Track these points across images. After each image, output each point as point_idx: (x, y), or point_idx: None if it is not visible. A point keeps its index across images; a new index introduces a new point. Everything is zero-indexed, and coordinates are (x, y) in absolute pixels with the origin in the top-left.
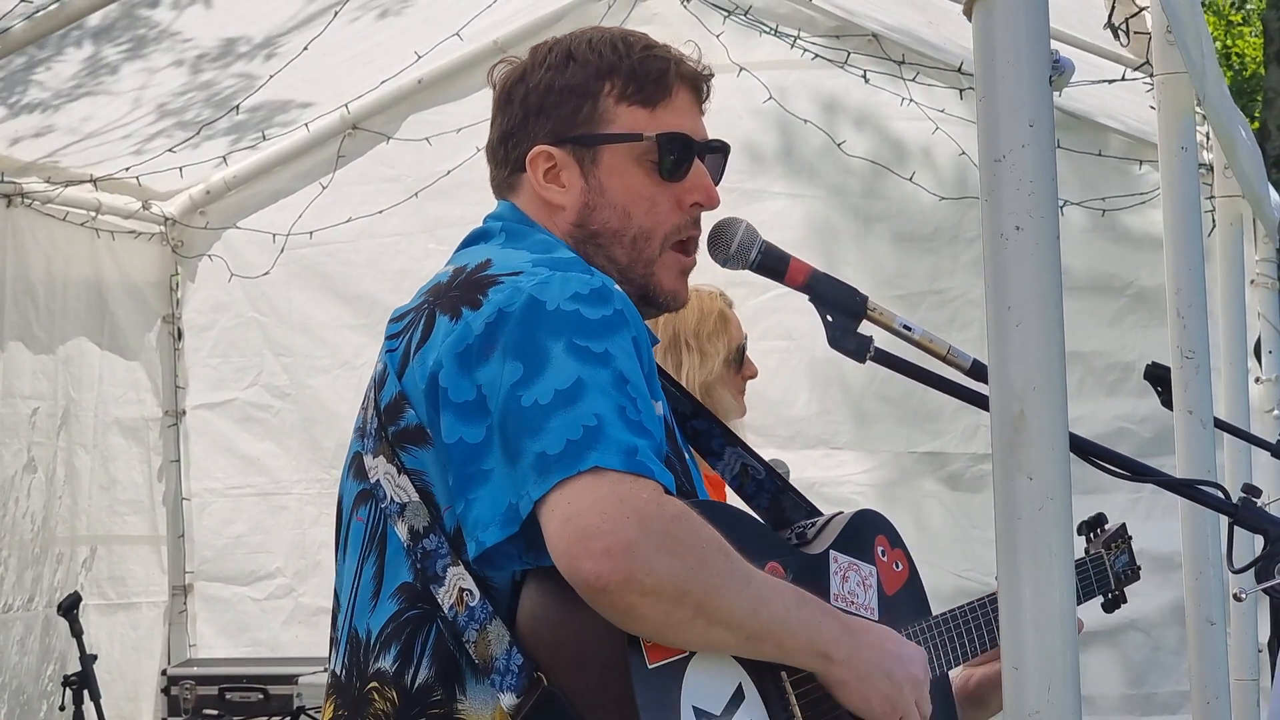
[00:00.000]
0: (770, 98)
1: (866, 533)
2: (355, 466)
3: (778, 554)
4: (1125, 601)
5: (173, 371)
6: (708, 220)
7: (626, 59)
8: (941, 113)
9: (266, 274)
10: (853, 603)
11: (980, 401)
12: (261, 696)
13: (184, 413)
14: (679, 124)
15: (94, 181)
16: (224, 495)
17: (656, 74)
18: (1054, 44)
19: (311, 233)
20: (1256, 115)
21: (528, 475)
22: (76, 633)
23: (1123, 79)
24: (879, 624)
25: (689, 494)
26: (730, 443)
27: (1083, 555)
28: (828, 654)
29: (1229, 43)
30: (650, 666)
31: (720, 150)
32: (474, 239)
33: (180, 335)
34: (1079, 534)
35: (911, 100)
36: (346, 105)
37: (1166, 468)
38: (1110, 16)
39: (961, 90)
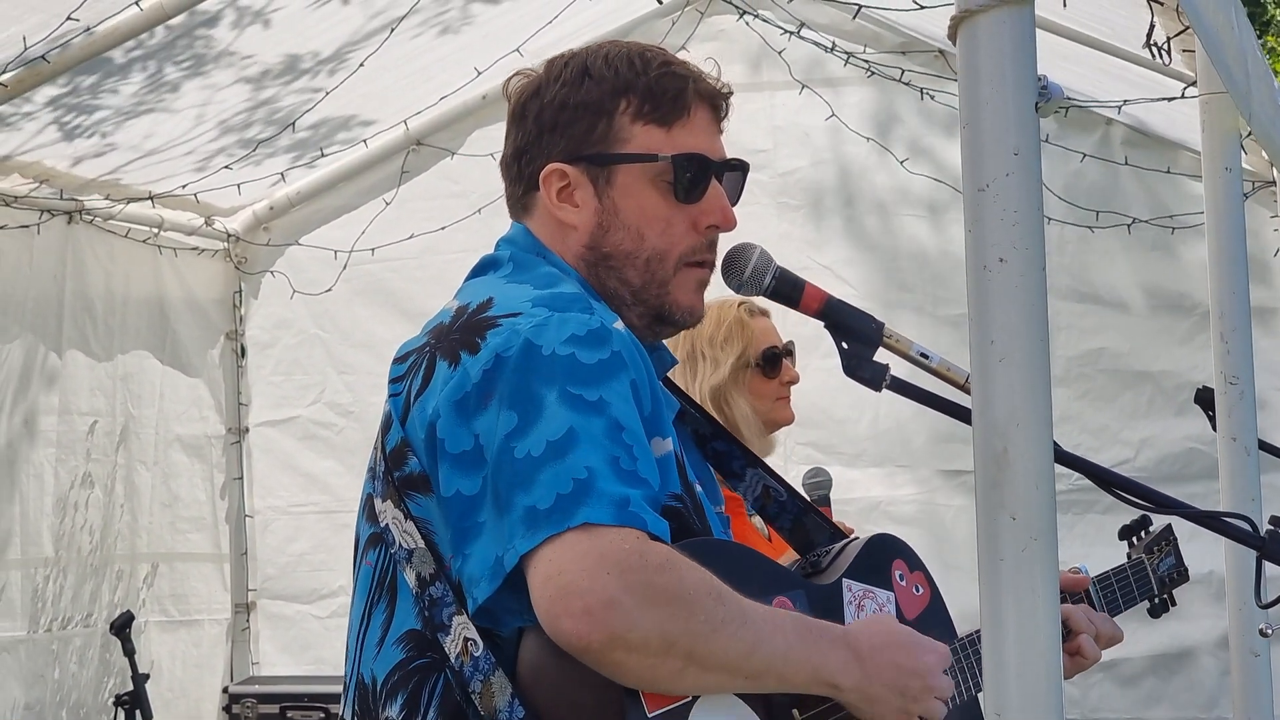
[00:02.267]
0: (832, 114)
1: (882, 557)
2: (368, 508)
3: (786, 588)
4: (1174, 605)
5: (236, 388)
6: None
7: (643, 76)
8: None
9: (329, 290)
10: None
11: None
12: (323, 715)
13: (247, 430)
14: (696, 144)
15: (151, 198)
16: (287, 513)
17: (674, 92)
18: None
19: (374, 249)
20: None
21: (516, 529)
22: (128, 651)
23: (1182, 96)
24: (895, 633)
25: (699, 532)
26: (751, 464)
27: (1123, 561)
28: (834, 683)
29: None
30: (650, 715)
31: (739, 169)
32: (482, 268)
33: (243, 352)
34: (1120, 539)
35: None
36: (405, 121)
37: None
38: (1150, 35)
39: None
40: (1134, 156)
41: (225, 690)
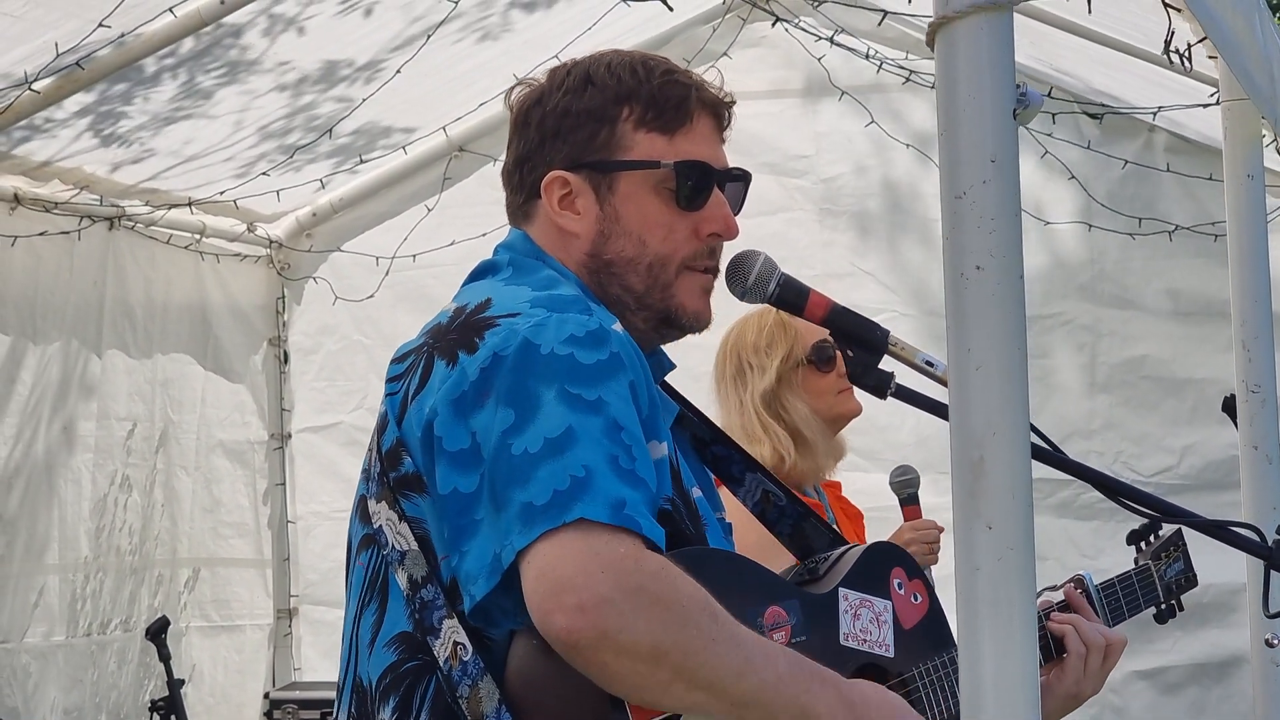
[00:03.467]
0: (872, 121)
1: (881, 566)
2: (361, 510)
3: (780, 597)
4: (1180, 610)
5: (278, 394)
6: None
7: (646, 84)
8: (1049, 136)
9: (372, 297)
10: (865, 640)
11: None
12: None
13: (290, 436)
14: (698, 151)
15: (191, 204)
16: (329, 519)
17: (676, 100)
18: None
19: (416, 255)
20: None
21: (513, 525)
22: (164, 657)
23: (1208, 103)
24: (893, 701)
25: (693, 538)
26: (751, 468)
27: (1129, 568)
28: None
29: None
30: None
31: (741, 179)
32: (481, 272)
33: (286, 358)
34: (1128, 544)
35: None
36: (445, 128)
37: None
38: (1169, 42)
39: (1054, 114)
40: (1175, 163)
41: (266, 696)
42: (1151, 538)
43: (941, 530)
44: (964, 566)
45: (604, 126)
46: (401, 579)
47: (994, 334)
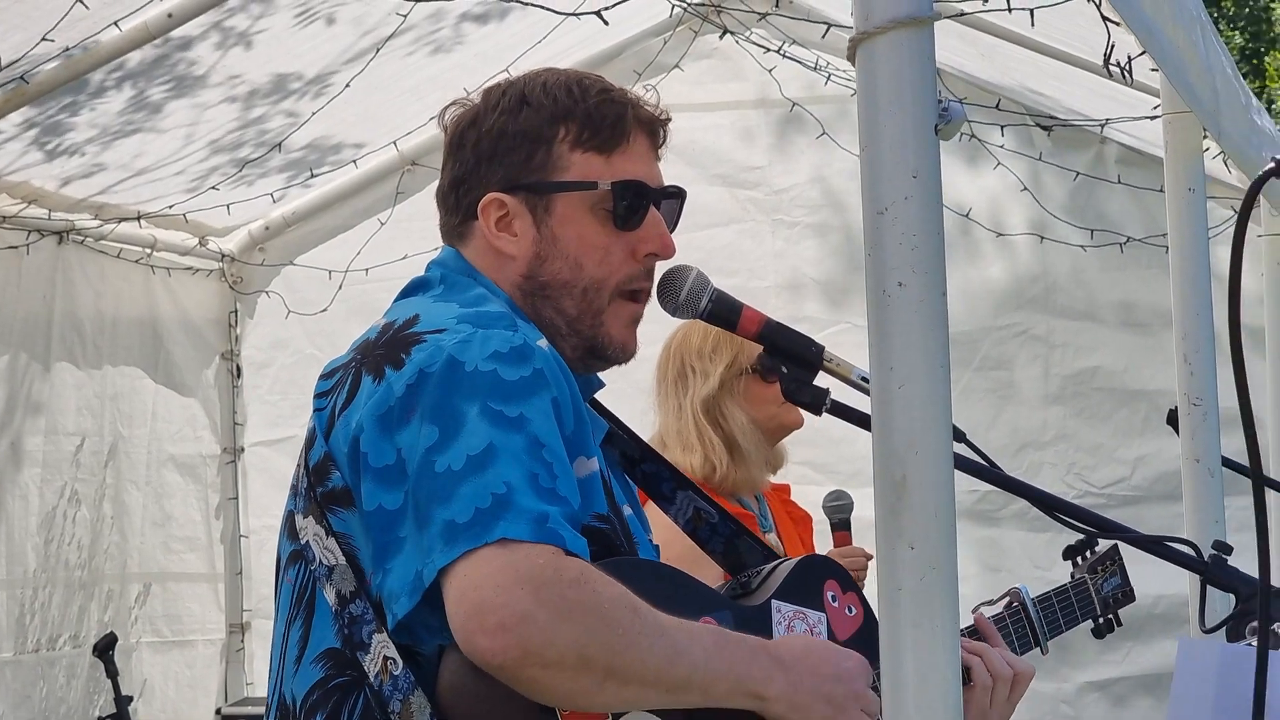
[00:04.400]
0: (824, 133)
1: (814, 578)
2: (288, 525)
3: (712, 608)
4: (1119, 625)
5: (231, 408)
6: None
7: (582, 103)
8: (1001, 148)
9: (325, 310)
10: None
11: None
12: None
13: (242, 450)
14: (635, 170)
15: (140, 219)
16: None
17: (613, 119)
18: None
19: (369, 269)
20: None
21: (435, 543)
22: (111, 674)
23: (1150, 116)
24: (813, 642)
25: (623, 554)
26: (681, 487)
27: (1066, 581)
28: (758, 693)
29: None
30: None
31: (676, 196)
32: (413, 288)
33: (239, 372)
34: (1064, 559)
35: (973, 137)
36: (396, 142)
37: (1240, 507)
38: (1109, 55)
39: (1003, 128)
40: (1127, 175)
41: (219, 711)
42: (1088, 552)
43: (870, 557)
44: (886, 586)
45: (540, 147)
46: (329, 594)
47: (917, 351)
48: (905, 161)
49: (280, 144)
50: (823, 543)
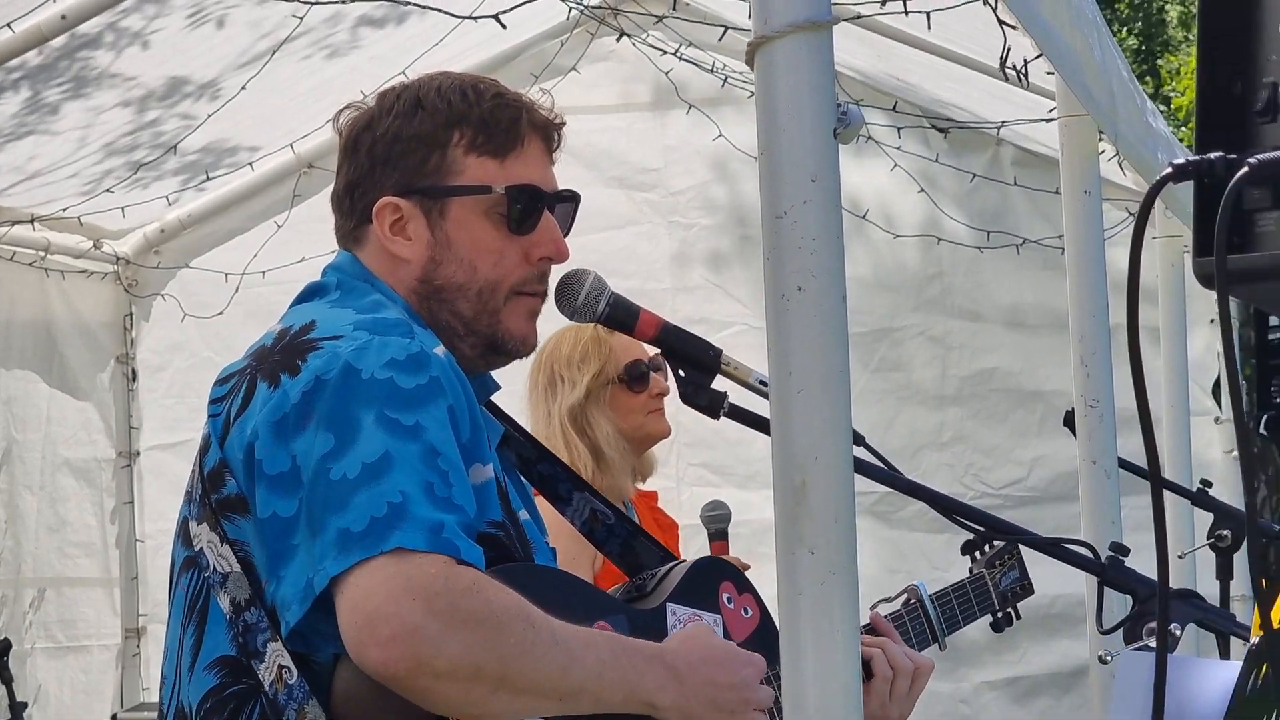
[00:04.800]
0: (720, 135)
1: (709, 580)
2: (183, 532)
3: (606, 613)
4: (1018, 618)
5: (126, 412)
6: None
7: (476, 108)
8: (898, 149)
9: (221, 314)
10: None
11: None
12: None
13: (138, 454)
14: (529, 175)
15: (33, 221)
16: None
17: (507, 123)
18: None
19: (265, 272)
20: None
21: (327, 550)
22: (6, 680)
23: (1046, 119)
24: (712, 648)
25: (519, 559)
26: (578, 487)
27: (964, 577)
28: (651, 702)
29: None
30: None
31: (570, 200)
32: (309, 293)
33: (134, 376)
34: (962, 554)
35: (870, 139)
36: (292, 145)
37: (1135, 507)
38: (1005, 58)
39: (899, 129)
40: (1022, 176)
41: (114, 717)
42: (986, 547)
43: (747, 567)
44: (786, 591)
45: (435, 151)
46: (224, 602)
47: (816, 356)
48: (804, 165)
49: (175, 146)
50: (695, 551)
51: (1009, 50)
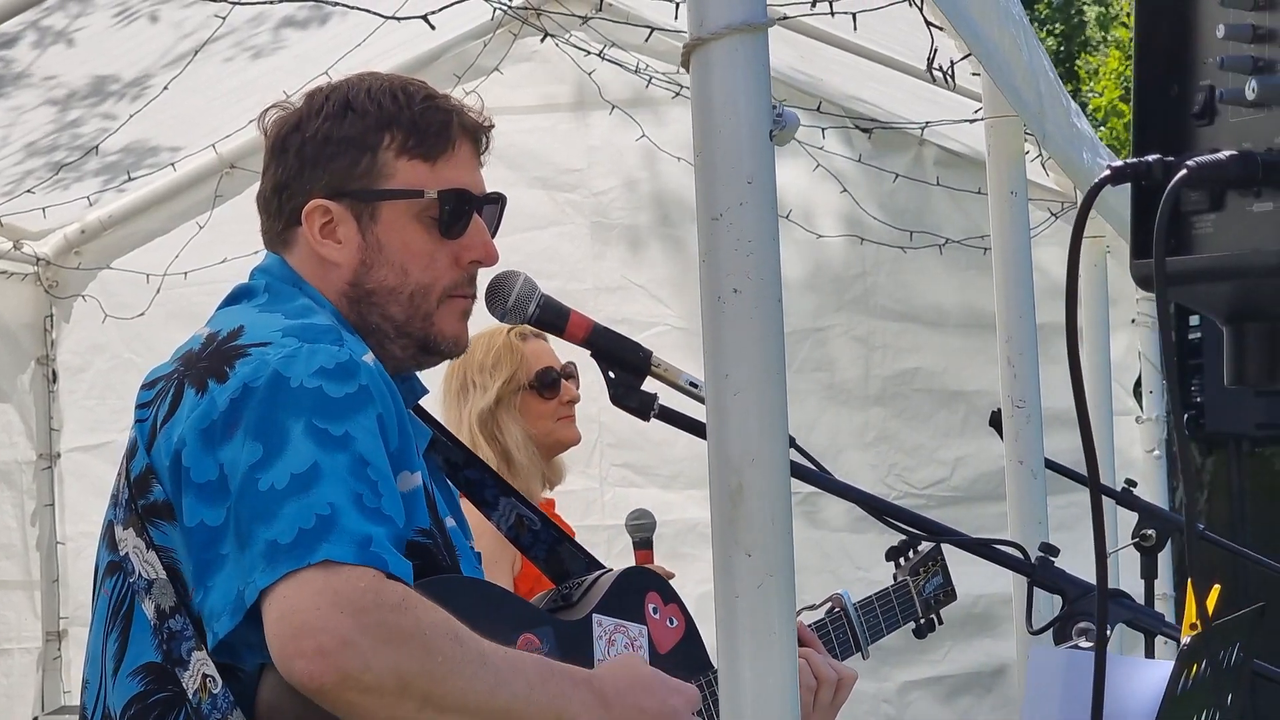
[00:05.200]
0: (643, 135)
1: (635, 590)
2: (108, 536)
3: (533, 625)
4: (940, 624)
5: (47, 414)
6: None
7: (407, 110)
8: (820, 150)
9: (143, 315)
10: None
11: None
12: None
13: (59, 455)
14: (460, 178)
15: None
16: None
17: (438, 126)
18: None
19: (187, 273)
20: None
21: (256, 563)
22: None
23: (972, 119)
24: (642, 676)
25: (448, 569)
26: (505, 493)
27: (888, 584)
28: None
29: (1130, 75)
30: None
31: (497, 202)
32: (236, 296)
33: (55, 377)
34: (887, 559)
35: (793, 139)
36: (214, 146)
37: (1059, 506)
38: (932, 60)
39: (823, 130)
40: (945, 177)
41: None
42: (910, 553)
43: (671, 576)
44: (723, 594)
45: (365, 154)
46: (148, 608)
47: (752, 358)
48: (740, 167)
49: (97, 147)
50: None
51: (936, 51)
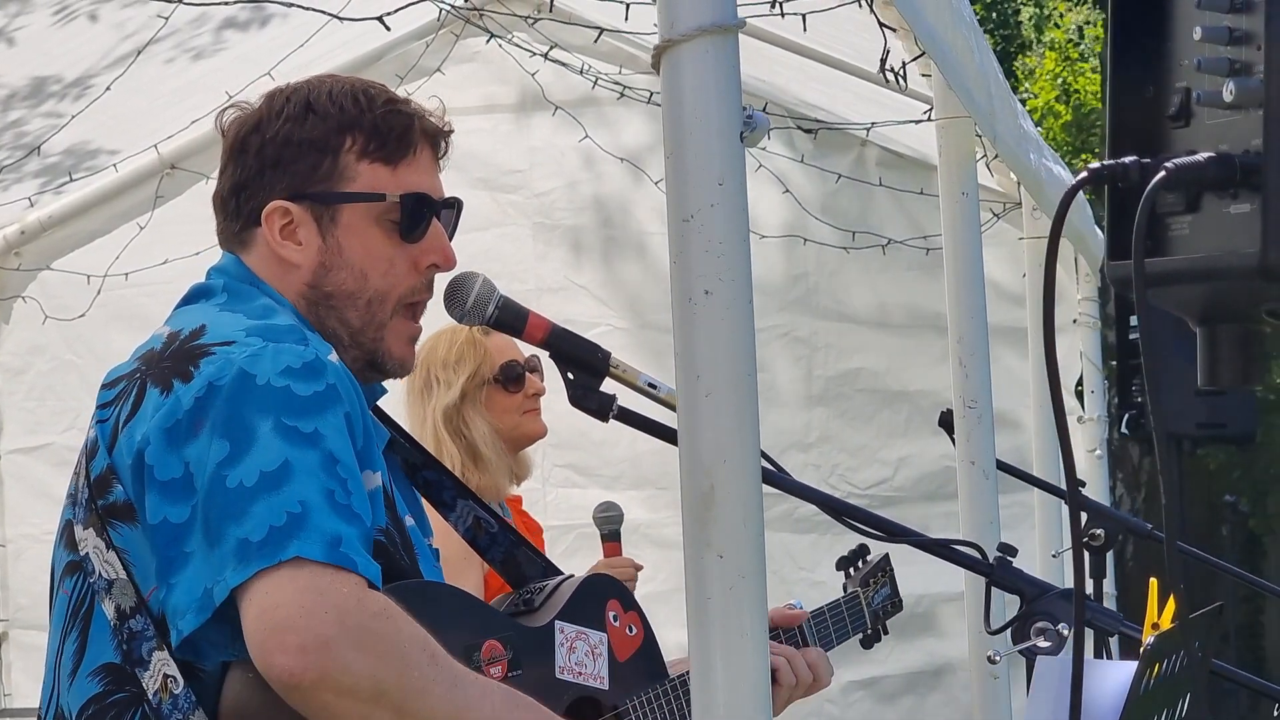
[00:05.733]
0: (586, 136)
1: (596, 598)
2: (66, 535)
3: (496, 631)
4: (886, 634)
5: None
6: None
7: (368, 113)
8: (763, 150)
9: (83, 316)
10: (580, 673)
11: None
12: None
13: None
14: (420, 182)
15: None
16: (41, 541)
17: (400, 130)
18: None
19: (128, 274)
20: (1097, 150)
21: (227, 560)
22: None
23: (923, 120)
24: None
25: (407, 569)
26: (462, 495)
27: (839, 596)
28: None
29: (1069, 79)
30: None
31: (454, 207)
32: (194, 295)
33: None
34: (837, 569)
35: None
36: (156, 146)
37: (1003, 506)
38: (885, 60)
39: (769, 130)
40: (888, 178)
41: None
42: (860, 563)
43: (640, 568)
44: (695, 595)
45: (326, 157)
46: (108, 608)
47: (724, 360)
48: (711, 169)
49: (39, 148)
50: (562, 553)
51: (888, 52)
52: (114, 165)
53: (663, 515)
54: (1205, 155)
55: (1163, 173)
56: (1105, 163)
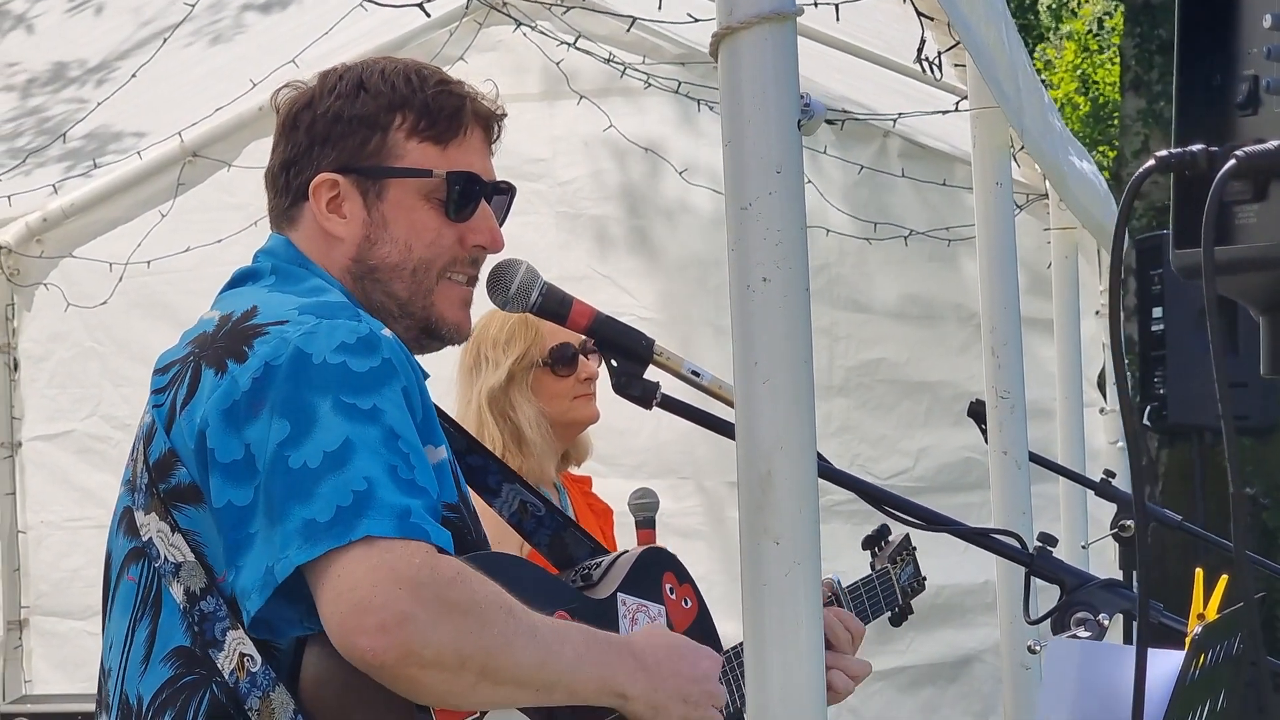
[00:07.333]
0: (610, 125)
1: (653, 571)
2: (126, 522)
3: (565, 601)
4: (911, 613)
5: (8, 402)
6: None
7: (420, 93)
8: None
9: (105, 303)
10: None
11: None
12: None
13: (20, 444)
14: (470, 163)
15: None
16: (61, 528)
17: (450, 110)
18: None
19: (150, 262)
20: (1115, 142)
21: (291, 539)
22: None
23: (954, 110)
24: (675, 642)
25: (476, 543)
26: (508, 479)
27: (870, 572)
28: (622, 692)
29: (1088, 70)
30: None
31: (507, 192)
32: (242, 278)
33: (16, 366)
34: (863, 548)
35: None
36: (180, 133)
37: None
38: (921, 50)
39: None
40: (910, 169)
41: None
42: (884, 542)
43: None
44: (751, 581)
45: (376, 133)
46: (177, 592)
47: (781, 347)
48: (769, 157)
49: (65, 134)
50: (625, 537)
51: (924, 42)
52: (138, 153)
53: (685, 505)
54: (1276, 143)
55: (1233, 160)
56: (1173, 150)
